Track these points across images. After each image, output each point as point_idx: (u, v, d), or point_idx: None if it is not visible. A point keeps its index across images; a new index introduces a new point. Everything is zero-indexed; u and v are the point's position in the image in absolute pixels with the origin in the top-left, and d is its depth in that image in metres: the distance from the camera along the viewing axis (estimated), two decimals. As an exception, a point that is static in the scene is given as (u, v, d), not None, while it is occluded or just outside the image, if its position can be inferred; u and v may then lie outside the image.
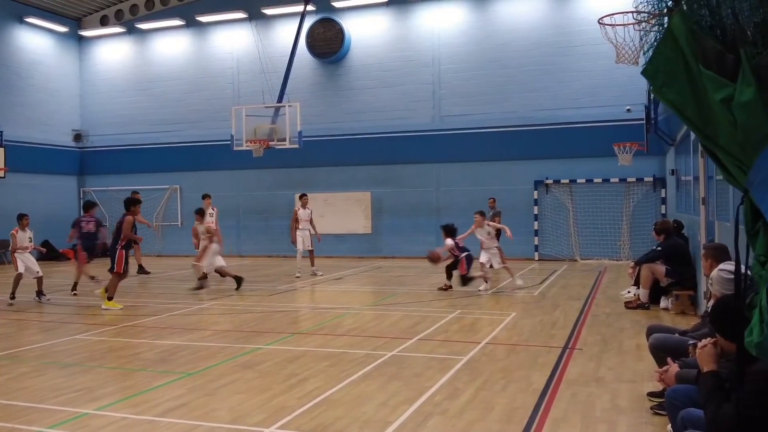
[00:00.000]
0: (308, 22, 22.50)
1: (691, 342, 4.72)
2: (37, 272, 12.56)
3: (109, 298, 11.68)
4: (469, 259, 12.90)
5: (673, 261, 10.62)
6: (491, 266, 13.34)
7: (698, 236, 9.95)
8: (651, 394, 5.76)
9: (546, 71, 20.60)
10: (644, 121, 17.29)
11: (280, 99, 20.68)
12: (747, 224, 2.37)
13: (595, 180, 20.01)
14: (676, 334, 5.74)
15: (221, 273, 14.31)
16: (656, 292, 10.85)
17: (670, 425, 4.42)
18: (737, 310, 2.65)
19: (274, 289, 14.16)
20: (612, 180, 19.80)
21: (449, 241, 13.05)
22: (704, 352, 3.56)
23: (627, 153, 17.46)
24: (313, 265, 16.63)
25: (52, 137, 24.98)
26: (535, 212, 20.58)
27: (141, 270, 17.29)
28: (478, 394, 6.05)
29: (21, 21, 23.98)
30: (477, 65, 21.36)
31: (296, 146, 18.85)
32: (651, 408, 5.49)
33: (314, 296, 13.86)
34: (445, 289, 13.14)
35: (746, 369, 3.00)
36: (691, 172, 11.52)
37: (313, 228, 16.52)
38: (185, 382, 6.63)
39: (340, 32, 22.57)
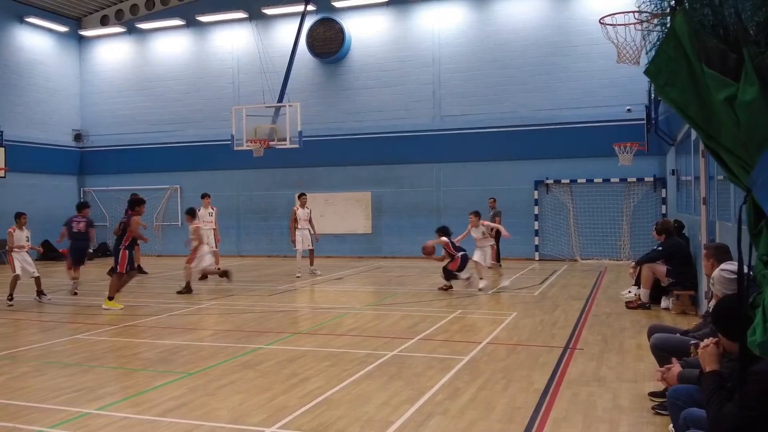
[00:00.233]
0: (308, 22, 22.50)
1: (692, 342, 4.72)
2: (33, 272, 12.53)
3: (110, 298, 11.69)
4: (464, 260, 13.04)
5: (674, 261, 10.62)
6: (484, 262, 13.49)
7: (699, 236, 9.95)
8: (652, 394, 5.76)
9: (546, 71, 20.60)
10: (645, 121, 17.29)
11: (280, 99, 20.68)
12: (750, 224, 2.37)
13: (596, 180, 20.01)
14: (678, 334, 5.73)
15: (204, 274, 14.70)
16: (657, 292, 10.86)
17: (671, 425, 4.42)
18: (739, 309, 2.64)
19: (275, 289, 14.16)
20: (612, 180, 19.80)
21: (443, 238, 13.20)
22: (706, 352, 3.56)
23: (627, 153, 17.46)
24: (312, 264, 16.63)
25: (53, 137, 24.99)
26: (536, 212, 20.58)
27: (140, 270, 17.27)
28: (479, 393, 6.05)
29: (21, 21, 23.98)
30: (477, 65, 21.36)
31: (296, 146, 18.85)
32: (652, 408, 5.49)
33: (314, 296, 13.86)
34: (446, 289, 13.17)
35: (749, 369, 3.00)
36: (691, 172, 11.52)
37: (312, 228, 16.51)
38: (186, 381, 6.62)
39: (340, 32, 22.57)
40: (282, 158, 21.39)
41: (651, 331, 6.02)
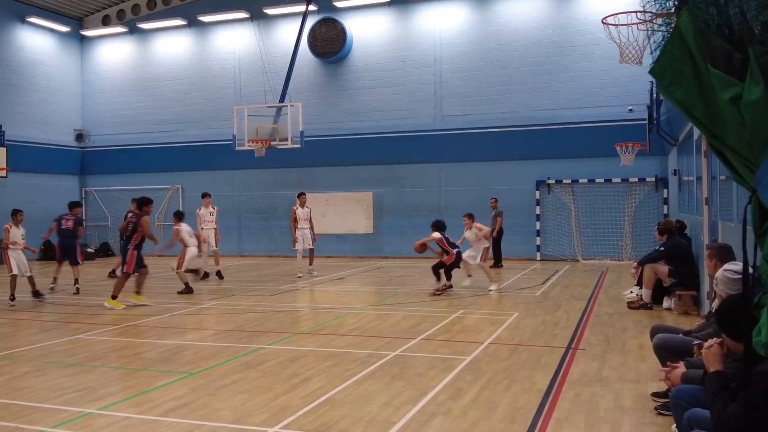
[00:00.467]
0: (310, 22, 22.49)
1: (696, 342, 4.71)
2: (25, 272, 12.51)
3: (114, 297, 11.68)
4: (459, 256, 13.02)
5: (675, 261, 10.61)
6: (473, 261, 13.46)
7: (701, 236, 9.94)
8: (655, 395, 5.75)
9: (548, 71, 20.59)
10: (646, 121, 17.28)
11: (281, 99, 20.67)
12: (755, 224, 2.36)
13: (597, 180, 19.99)
14: (680, 335, 5.73)
15: (199, 273, 15.27)
16: (659, 293, 10.85)
17: (674, 425, 4.41)
18: (744, 309, 2.64)
19: (276, 289, 14.16)
20: (614, 180, 19.78)
21: (436, 234, 13.07)
22: (710, 352, 3.56)
23: (629, 153, 17.45)
24: (311, 264, 16.62)
25: (54, 137, 25.00)
26: (537, 212, 20.57)
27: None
28: (482, 394, 6.04)
29: (23, 21, 23.99)
30: (479, 65, 21.35)
31: (298, 146, 18.83)
32: (655, 408, 5.48)
33: (316, 296, 13.85)
34: (442, 292, 13.09)
35: (753, 369, 2.99)
36: (693, 172, 11.50)
37: (312, 228, 16.49)
38: (188, 381, 6.62)
39: (341, 32, 22.57)
40: (283, 158, 21.38)
41: (654, 332, 6.01)
